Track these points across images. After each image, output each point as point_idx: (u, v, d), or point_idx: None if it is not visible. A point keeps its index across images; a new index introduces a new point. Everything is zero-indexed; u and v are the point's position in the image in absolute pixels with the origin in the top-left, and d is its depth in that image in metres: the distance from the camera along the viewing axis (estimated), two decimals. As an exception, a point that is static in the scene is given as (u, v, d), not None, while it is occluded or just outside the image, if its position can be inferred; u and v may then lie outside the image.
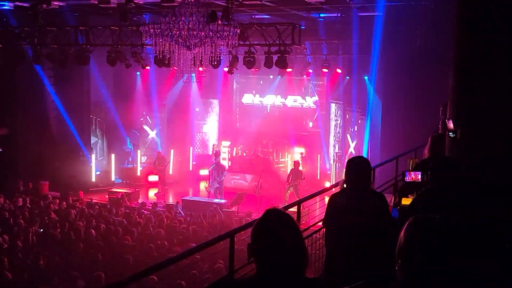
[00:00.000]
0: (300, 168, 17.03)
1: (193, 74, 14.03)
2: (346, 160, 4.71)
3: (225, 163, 19.61)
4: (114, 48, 15.76)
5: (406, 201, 5.11)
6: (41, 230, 11.96)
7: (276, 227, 2.23)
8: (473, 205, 3.82)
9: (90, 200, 15.57)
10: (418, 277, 2.06)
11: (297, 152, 18.99)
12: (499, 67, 4.73)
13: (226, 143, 20.99)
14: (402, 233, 2.12)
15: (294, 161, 17.57)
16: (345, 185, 4.51)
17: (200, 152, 21.11)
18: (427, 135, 6.74)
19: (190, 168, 20.51)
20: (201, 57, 12.55)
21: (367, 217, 4.28)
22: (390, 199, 5.98)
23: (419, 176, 5.04)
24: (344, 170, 4.59)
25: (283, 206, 9.72)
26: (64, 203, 14.82)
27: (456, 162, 4.26)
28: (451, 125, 4.87)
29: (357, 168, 4.45)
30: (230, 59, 15.86)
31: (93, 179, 18.64)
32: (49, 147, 18.04)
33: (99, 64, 17.13)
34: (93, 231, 11.28)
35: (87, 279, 8.68)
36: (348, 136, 18.27)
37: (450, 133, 4.95)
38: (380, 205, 4.46)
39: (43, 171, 17.66)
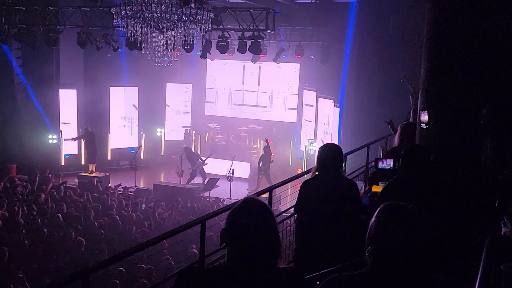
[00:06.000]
0: (269, 149, 17.12)
1: (166, 58, 13.86)
2: (318, 147, 4.72)
3: (198, 148, 19.65)
4: (84, 29, 15.43)
5: (376, 188, 5.16)
6: (7, 214, 11.70)
7: (253, 215, 2.22)
8: (442, 194, 3.86)
9: (59, 184, 15.30)
10: (387, 264, 2.07)
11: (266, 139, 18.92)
12: (471, 57, 4.77)
13: (199, 128, 20.87)
14: (372, 220, 2.13)
15: (264, 145, 17.64)
16: (316, 172, 4.51)
17: (172, 137, 20.93)
18: (398, 123, 6.81)
19: (162, 153, 20.35)
20: (174, 40, 12.40)
21: (338, 204, 4.29)
22: (361, 186, 6.02)
23: (391, 164, 5.08)
24: (316, 157, 4.59)
25: (253, 191, 9.77)
26: (29, 186, 14.55)
27: (427, 150, 4.30)
28: (425, 116, 4.90)
29: (328, 155, 4.45)
30: (203, 44, 15.72)
31: (63, 163, 18.34)
32: (17, 129, 17.63)
33: (69, 46, 16.75)
34: (60, 216, 11.07)
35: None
36: (321, 123, 18.36)
37: (422, 124, 4.97)
38: (351, 192, 4.48)
39: (11, 154, 17.27)
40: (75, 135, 18.75)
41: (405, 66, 9.55)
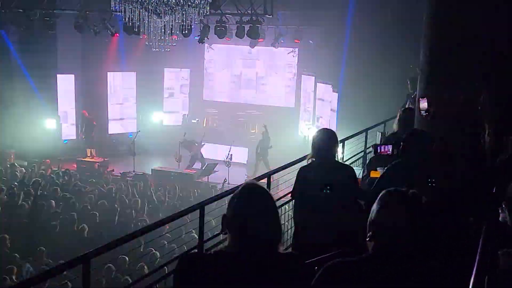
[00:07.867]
0: (268, 135, 17.08)
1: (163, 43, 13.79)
2: (315, 132, 4.70)
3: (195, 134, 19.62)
4: (82, 14, 15.32)
5: (375, 174, 5.15)
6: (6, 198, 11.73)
7: (254, 201, 2.22)
8: (441, 180, 3.88)
9: (57, 169, 15.32)
10: (388, 249, 2.08)
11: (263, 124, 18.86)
12: (469, 44, 4.76)
13: (197, 113, 20.82)
14: (374, 205, 2.14)
15: (262, 130, 17.62)
16: (313, 158, 4.50)
17: (170, 122, 20.89)
18: (396, 108, 6.82)
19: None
20: (172, 25, 12.32)
21: (336, 190, 4.29)
22: (359, 172, 6.03)
23: (390, 149, 5.08)
24: (312, 142, 4.58)
25: (252, 177, 9.78)
26: (30, 171, 14.59)
27: (428, 135, 4.29)
28: (425, 104, 4.89)
29: (323, 140, 4.44)
30: (201, 28, 15.62)
31: (61, 148, 18.33)
32: (15, 115, 17.58)
33: (66, 30, 16.63)
34: (53, 202, 11.08)
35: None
36: (319, 108, 18.33)
37: (422, 111, 4.96)
38: (348, 178, 4.48)
39: (9, 140, 17.25)
40: (73, 121, 18.73)
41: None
